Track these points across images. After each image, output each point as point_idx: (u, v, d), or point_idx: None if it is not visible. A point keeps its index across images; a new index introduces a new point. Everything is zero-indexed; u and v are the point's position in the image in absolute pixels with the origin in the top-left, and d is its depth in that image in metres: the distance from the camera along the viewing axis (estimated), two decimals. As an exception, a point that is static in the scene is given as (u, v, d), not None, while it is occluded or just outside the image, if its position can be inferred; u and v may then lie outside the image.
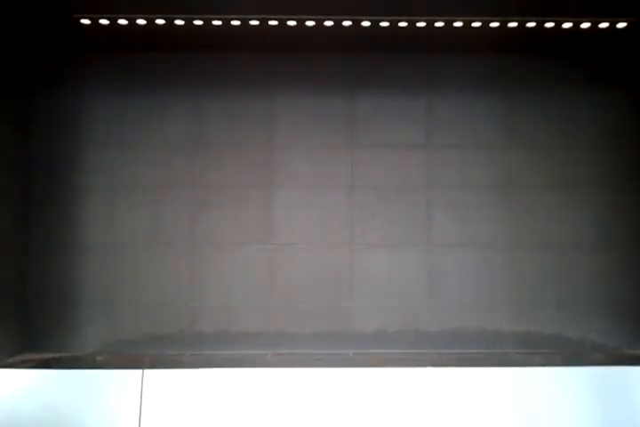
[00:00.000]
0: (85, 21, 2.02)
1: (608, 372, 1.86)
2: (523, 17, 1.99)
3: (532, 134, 2.27)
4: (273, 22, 2.01)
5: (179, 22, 2.00)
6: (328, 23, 2.00)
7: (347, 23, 2.01)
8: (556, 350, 2.19)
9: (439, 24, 2.02)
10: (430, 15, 1.97)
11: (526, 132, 2.27)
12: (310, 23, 2.02)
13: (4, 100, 2.03)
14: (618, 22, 2.04)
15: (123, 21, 2.01)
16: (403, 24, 2.02)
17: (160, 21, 2.00)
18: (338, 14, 1.97)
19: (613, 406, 1.83)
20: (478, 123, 2.27)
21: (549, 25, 2.04)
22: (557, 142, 2.27)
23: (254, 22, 2.00)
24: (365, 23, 2.01)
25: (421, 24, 2.02)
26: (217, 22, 2.00)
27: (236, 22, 2.00)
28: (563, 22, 2.04)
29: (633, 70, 2.29)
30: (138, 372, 1.82)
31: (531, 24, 2.03)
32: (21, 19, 2.01)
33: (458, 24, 2.01)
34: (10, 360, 1.98)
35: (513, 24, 2.03)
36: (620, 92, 2.29)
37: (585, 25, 2.05)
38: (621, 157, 2.27)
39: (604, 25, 2.05)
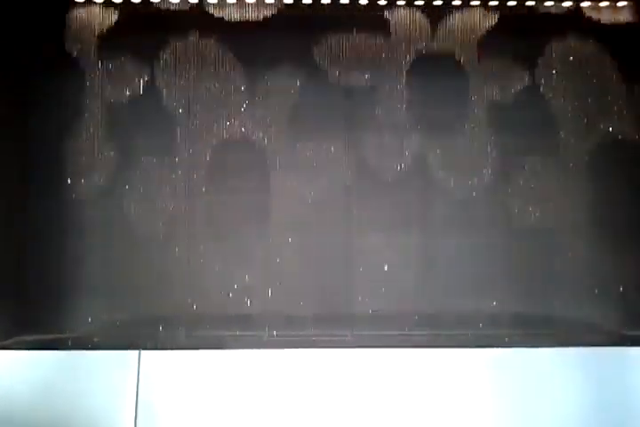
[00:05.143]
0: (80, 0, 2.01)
1: (603, 353, 1.86)
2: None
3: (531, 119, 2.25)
4: (269, 1, 2.00)
5: (174, 1, 1.99)
6: (325, 1, 2.00)
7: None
8: (552, 331, 2.18)
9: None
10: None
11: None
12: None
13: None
14: (619, 1, 2.04)
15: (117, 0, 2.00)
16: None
17: (155, 0, 1.99)
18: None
19: (607, 388, 1.83)
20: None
21: (549, 4, 2.04)
22: (558, 126, 2.25)
23: (251, 1, 1.99)
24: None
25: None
26: (212, 1, 1.99)
27: (232, 1, 1.99)
28: (562, 1, 2.03)
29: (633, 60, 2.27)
30: (134, 353, 1.81)
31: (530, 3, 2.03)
32: (15, 3, 1.99)
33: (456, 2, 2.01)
34: (5, 342, 1.98)
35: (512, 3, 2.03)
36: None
37: (585, 4, 2.05)
38: (618, 145, 2.26)
39: (604, 4, 2.05)
